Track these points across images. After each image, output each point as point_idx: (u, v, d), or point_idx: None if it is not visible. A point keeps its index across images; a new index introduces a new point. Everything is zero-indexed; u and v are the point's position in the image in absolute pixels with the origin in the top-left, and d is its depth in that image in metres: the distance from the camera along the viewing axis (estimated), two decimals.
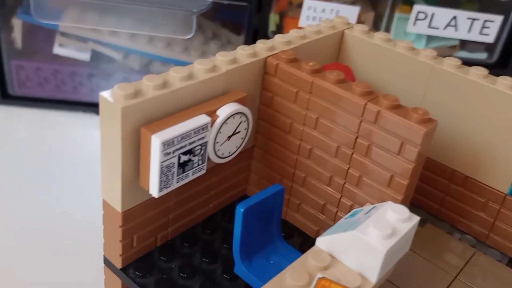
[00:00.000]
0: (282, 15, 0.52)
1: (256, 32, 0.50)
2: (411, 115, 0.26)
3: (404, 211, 0.24)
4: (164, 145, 0.25)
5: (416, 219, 0.25)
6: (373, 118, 0.27)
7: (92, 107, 0.54)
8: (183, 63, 0.54)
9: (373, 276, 0.23)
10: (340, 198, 0.31)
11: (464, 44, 0.52)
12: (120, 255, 0.28)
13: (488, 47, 0.52)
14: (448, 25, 0.49)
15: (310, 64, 0.30)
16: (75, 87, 0.54)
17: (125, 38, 0.51)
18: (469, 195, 0.33)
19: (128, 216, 0.27)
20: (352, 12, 0.49)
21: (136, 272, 0.29)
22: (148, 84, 0.26)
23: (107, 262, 0.30)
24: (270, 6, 0.49)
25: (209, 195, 0.33)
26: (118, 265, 0.29)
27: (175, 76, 0.27)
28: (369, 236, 0.23)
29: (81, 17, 0.50)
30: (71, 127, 0.53)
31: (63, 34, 0.52)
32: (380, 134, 0.27)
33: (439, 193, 0.35)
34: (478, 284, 0.30)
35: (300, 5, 0.51)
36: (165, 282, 0.28)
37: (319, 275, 0.23)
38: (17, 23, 0.52)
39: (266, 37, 0.51)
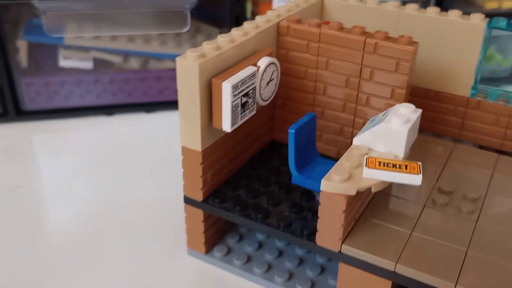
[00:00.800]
0: (254, 3, 0.61)
1: (237, 20, 0.59)
2: (400, 41, 0.36)
3: (411, 106, 0.34)
4: (233, 88, 0.33)
5: (419, 110, 0.34)
6: (372, 49, 0.37)
7: (101, 109, 0.60)
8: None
9: (400, 153, 0.32)
10: (354, 118, 0.40)
11: None
12: (201, 189, 0.36)
13: None
14: None
15: (314, 21, 0.39)
16: (82, 94, 0.60)
17: (124, 42, 0.58)
18: (441, 105, 0.44)
19: (205, 154, 0.35)
20: None
21: (215, 200, 0.36)
22: (208, 47, 0.34)
23: (187, 200, 0.37)
24: None
25: (249, 140, 0.41)
26: (200, 198, 0.36)
27: (223, 40, 0.35)
28: (393, 124, 0.32)
29: (82, 28, 0.56)
30: (84, 132, 0.58)
31: (66, 47, 0.58)
32: (379, 59, 0.37)
33: None
34: (460, 169, 0.40)
35: None
36: (240, 204, 0.36)
37: (366, 156, 0.32)
38: (22, 44, 0.57)
39: None
